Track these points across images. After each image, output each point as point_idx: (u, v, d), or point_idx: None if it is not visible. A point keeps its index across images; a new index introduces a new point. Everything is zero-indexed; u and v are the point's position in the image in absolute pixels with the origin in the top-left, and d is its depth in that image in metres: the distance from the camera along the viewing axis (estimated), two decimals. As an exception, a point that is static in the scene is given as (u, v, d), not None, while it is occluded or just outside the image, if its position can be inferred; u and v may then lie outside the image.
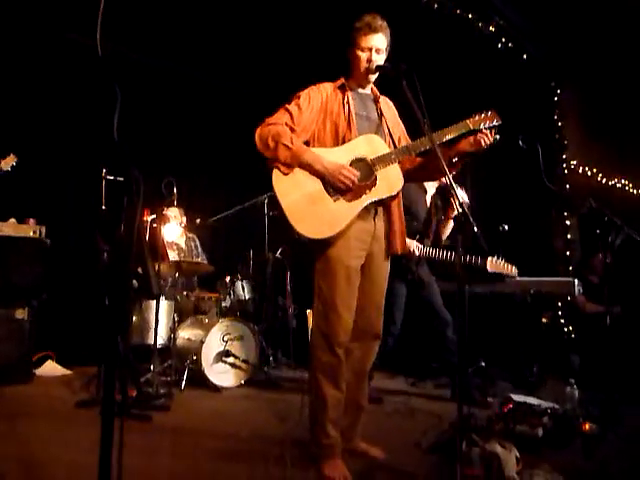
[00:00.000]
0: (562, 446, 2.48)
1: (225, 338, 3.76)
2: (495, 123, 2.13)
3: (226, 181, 5.72)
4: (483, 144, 2.11)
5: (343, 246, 2.13)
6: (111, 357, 1.19)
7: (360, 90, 2.31)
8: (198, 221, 4.69)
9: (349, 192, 2.12)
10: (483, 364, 3.92)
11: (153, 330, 3.48)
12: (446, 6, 4.55)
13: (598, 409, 2.87)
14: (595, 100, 5.06)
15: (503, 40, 4.94)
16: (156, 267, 3.57)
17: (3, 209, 3.81)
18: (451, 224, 3.59)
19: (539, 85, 5.27)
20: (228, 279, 4.29)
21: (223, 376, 3.70)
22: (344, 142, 2.19)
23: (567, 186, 5.16)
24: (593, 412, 2.78)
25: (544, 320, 4.60)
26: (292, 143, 2.10)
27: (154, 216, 3.86)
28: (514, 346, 4.21)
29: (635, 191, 5.07)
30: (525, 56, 5.11)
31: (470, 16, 4.69)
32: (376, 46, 2.19)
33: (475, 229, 1.81)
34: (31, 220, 3.85)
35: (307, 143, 2.21)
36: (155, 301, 3.51)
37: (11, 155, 3.65)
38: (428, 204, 3.65)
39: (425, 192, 3.62)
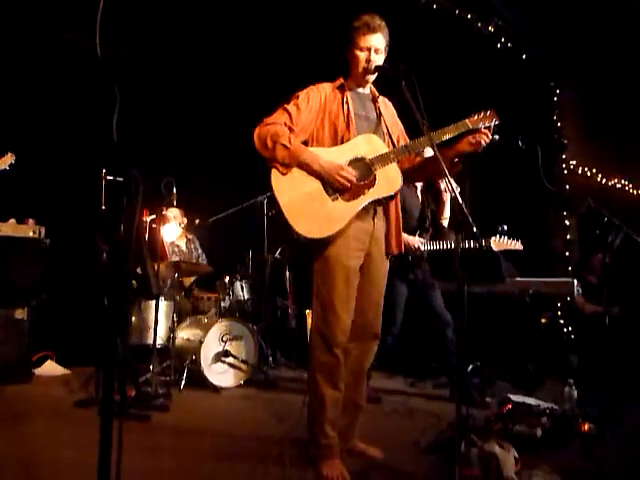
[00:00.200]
0: (561, 446, 2.48)
1: (224, 338, 3.76)
2: (494, 122, 2.13)
3: (225, 181, 5.72)
4: (483, 143, 2.12)
5: (342, 246, 2.13)
6: (110, 357, 1.19)
7: (359, 90, 2.32)
8: (197, 221, 4.69)
9: (348, 192, 2.12)
10: (478, 364, 3.92)
11: (152, 330, 3.48)
12: (445, 6, 4.55)
13: (597, 409, 2.87)
14: (594, 100, 5.06)
15: (502, 40, 4.94)
16: (155, 267, 3.57)
17: (3, 209, 3.81)
18: (448, 207, 3.58)
19: (538, 85, 5.27)
20: (227, 279, 4.29)
21: (222, 376, 3.70)
22: (343, 142, 2.19)
23: (566, 186, 5.16)
24: (592, 412, 2.78)
25: (543, 320, 4.60)
26: (290, 143, 2.10)
27: (153, 216, 3.86)
28: (513, 346, 4.21)
29: (634, 191, 5.08)
30: (524, 56, 5.11)
31: (469, 16, 4.69)
32: (375, 46, 2.20)
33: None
34: (31, 220, 3.85)
35: (306, 143, 2.21)
36: (154, 301, 3.51)
37: (9, 154, 3.65)
38: (420, 198, 3.65)
39: (415, 188, 3.62)
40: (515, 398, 2.82)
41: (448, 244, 3.41)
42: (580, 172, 5.21)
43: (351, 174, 2.10)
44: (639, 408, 3.22)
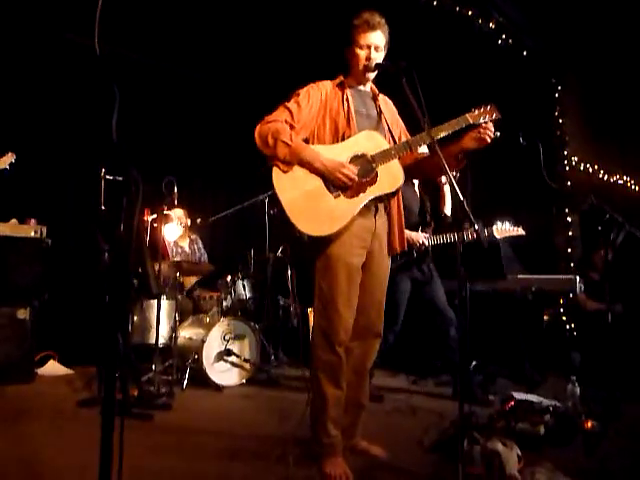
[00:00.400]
0: (564, 444, 2.48)
1: (226, 337, 3.77)
2: (494, 117, 2.12)
3: (226, 180, 5.72)
4: (487, 139, 2.11)
5: (344, 244, 2.12)
6: (111, 355, 1.19)
7: (359, 88, 2.31)
8: (199, 221, 4.69)
9: (349, 189, 2.11)
10: (479, 362, 3.92)
11: (154, 329, 3.48)
12: (445, 3, 4.54)
13: (599, 406, 2.86)
14: (596, 96, 5.04)
15: (503, 37, 4.93)
16: (157, 267, 3.57)
17: (4, 209, 3.82)
18: (448, 196, 3.58)
19: (539, 82, 5.26)
20: (229, 278, 4.29)
21: (224, 375, 3.70)
22: (344, 139, 2.18)
23: (568, 183, 5.15)
24: (594, 409, 2.78)
25: (545, 317, 4.60)
26: (291, 140, 2.10)
27: (155, 216, 3.86)
28: (515, 344, 4.21)
29: (637, 188, 5.07)
30: (525, 52, 5.09)
31: (470, 13, 4.68)
32: (375, 43, 2.19)
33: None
34: (32, 220, 3.85)
35: (307, 141, 2.21)
36: (156, 301, 3.51)
37: (9, 153, 3.65)
38: (417, 194, 3.64)
39: (413, 184, 3.62)
40: (518, 396, 2.81)
41: (451, 237, 3.40)
42: (582, 169, 5.20)
43: (353, 171, 2.10)
44: (642, 405, 3.22)
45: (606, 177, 5.13)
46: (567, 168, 5.19)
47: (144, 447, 2.32)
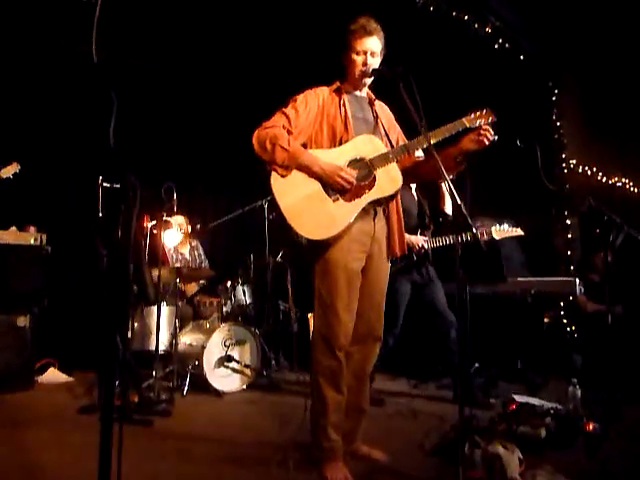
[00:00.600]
0: (565, 446, 2.47)
1: (226, 343, 3.76)
2: (491, 120, 2.13)
3: (225, 186, 5.73)
4: (486, 141, 2.12)
5: (343, 248, 2.13)
6: (110, 360, 1.19)
7: (356, 93, 2.32)
8: (198, 226, 4.70)
9: (348, 192, 2.12)
10: (477, 365, 3.92)
11: (154, 336, 3.48)
12: (442, 8, 4.56)
13: (600, 408, 2.86)
14: (594, 99, 5.06)
15: (500, 41, 4.94)
16: (156, 273, 3.57)
17: (4, 217, 3.82)
18: (447, 196, 3.57)
19: (537, 85, 5.28)
20: (229, 284, 4.29)
21: (225, 381, 3.70)
22: (341, 144, 2.19)
23: (567, 185, 5.16)
24: (595, 411, 2.77)
25: (546, 320, 4.59)
26: (289, 145, 2.11)
27: (154, 222, 3.86)
28: (516, 346, 4.20)
29: (635, 189, 5.07)
30: (522, 56, 5.11)
31: (466, 17, 4.70)
32: (371, 49, 2.21)
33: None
34: (32, 227, 3.86)
35: (305, 146, 2.22)
36: (156, 307, 3.51)
37: (13, 163, 3.67)
38: (415, 197, 3.64)
39: (410, 187, 3.62)
40: (519, 398, 2.81)
41: (450, 240, 3.40)
42: (580, 171, 5.21)
43: (351, 175, 2.11)
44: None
45: (604, 179, 5.13)
46: (565, 170, 5.19)
47: (144, 453, 2.32)
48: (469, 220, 1.87)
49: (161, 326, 3.52)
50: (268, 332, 4.47)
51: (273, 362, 4.36)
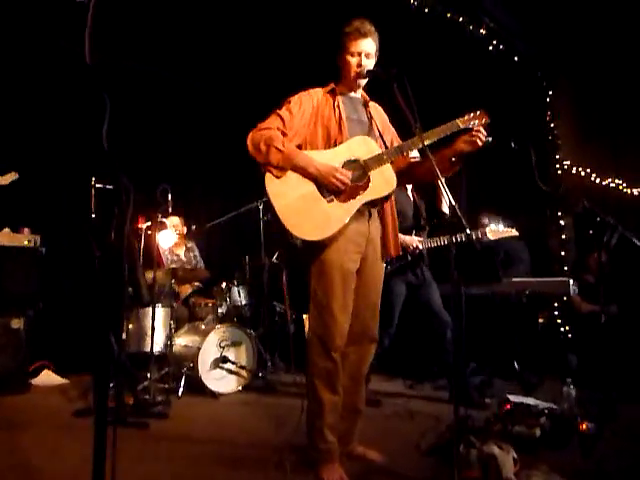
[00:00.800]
0: (560, 446, 2.48)
1: (222, 344, 3.76)
2: (484, 122, 2.14)
3: (221, 187, 5.73)
4: (479, 142, 2.13)
5: (338, 249, 2.13)
6: (105, 361, 1.19)
7: (350, 94, 2.33)
8: (194, 228, 4.69)
9: (343, 193, 2.12)
10: (474, 365, 3.93)
11: (150, 338, 3.47)
12: (437, 10, 4.57)
13: (595, 408, 2.87)
14: (588, 100, 5.08)
15: (494, 42, 4.97)
16: (151, 275, 3.56)
17: (-2, 219, 3.81)
18: (444, 193, 3.57)
19: (531, 86, 5.30)
20: (224, 285, 4.29)
21: (221, 382, 3.69)
22: (336, 145, 2.20)
23: (561, 186, 5.18)
24: (590, 411, 2.78)
25: (541, 320, 4.61)
26: (284, 146, 2.11)
27: (149, 223, 3.85)
28: (512, 347, 4.21)
29: (629, 190, 5.09)
30: (516, 58, 5.13)
31: (461, 19, 4.71)
32: (366, 51, 2.21)
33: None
34: (26, 229, 3.84)
35: (300, 147, 2.23)
36: (151, 308, 3.50)
37: (12, 172, 3.66)
38: (411, 198, 3.65)
39: (406, 188, 3.63)
40: (514, 398, 2.82)
41: (445, 240, 3.41)
42: (574, 172, 5.23)
43: (346, 176, 2.11)
44: (638, 406, 3.22)
45: (598, 180, 5.16)
46: (559, 171, 5.22)
47: (140, 456, 2.31)
48: (463, 221, 1.88)
49: (156, 328, 3.51)
50: (264, 333, 4.47)
51: (269, 363, 4.36)
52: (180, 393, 3.51)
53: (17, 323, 3.63)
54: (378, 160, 2.16)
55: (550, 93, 5.33)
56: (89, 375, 3.68)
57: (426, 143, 2.06)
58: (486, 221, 4.16)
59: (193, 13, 4.43)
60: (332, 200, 2.12)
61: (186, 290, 4.56)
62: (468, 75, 4.81)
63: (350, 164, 2.16)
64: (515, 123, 4.09)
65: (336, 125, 2.22)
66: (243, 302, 4.35)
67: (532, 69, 5.27)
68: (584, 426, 2.56)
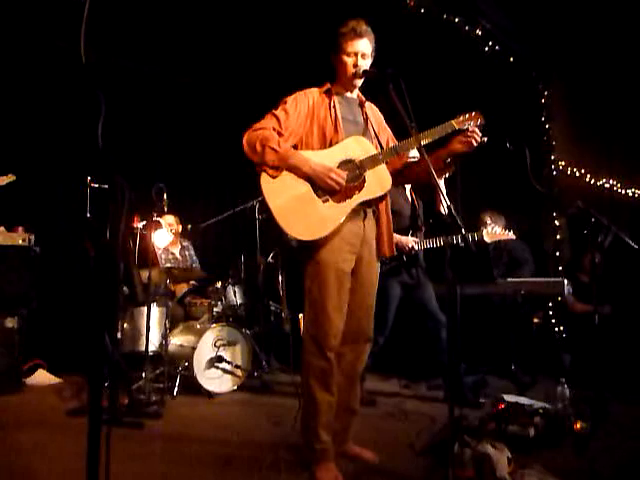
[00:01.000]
0: (554, 445, 2.50)
1: (217, 344, 3.75)
2: (479, 123, 2.15)
3: (216, 186, 5.72)
4: (474, 143, 2.14)
5: (333, 249, 2.13)
6: (99, 361, 1.19)
7: (346, 95, 2.33)
8: (189, 227, 4.68)
9: (338, 193, 2.13)
10: (466, 365, 3.94)
11: (145, 337, 3.46)
12: (432, 10, 4.58)
13: (588, 407, 2.88)
14: (583, 101, 5.11)
15: (490, 43, 4.98)
16: (146, 274, 3.55)
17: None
18: (444, 193, 3.56)
19: (526, 87, 5.32)
20: (220, 284, 4.28)
21: (216, 382, 3.68)
22: (331, 145, 2.20)
23: (555, 187, 5.20)
24: (584, 410, 2.80)
25: (535, 320, 4.63)
26: (279, 146, 2.11)
27: (144, 222, 3.84)
28: (506, 346, 4.23)
29: (623, 191, 5.12)
30: (512, 58, 5.15)
31: (456, 20, 4.73)
32: (362, 51, 2.22)
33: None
34: (20, 228, 3.82)
35: (295, 147, 2.23)
36: (146, 308, 3.50)
37: (9, 175, 3.65)
38: (409, 198, 3.65)
39: (404, 188, 3.63)
40: (508, 398, 2.83)
41: (441, 241, 3.41)
42: (569, 173, 5.25)
43: (341, 176, 2.11)
44: (630, 406, 3.24)
45: (593, 181, 5.18)
46: (554, 172, 5.24)
47: (134, 455, 2.31)
48: (458, 220, 1.88)
49: (151, 327, 3.50)
50: (259, 333, 4.47)
51: (264, 363, 4.36)
52: (175, 393, 3.50)
53: (11, 322, 3.62)
54: (373, 160, 2.16)
55: (545, 94, 5.35)
56: (83, 375, 3.67)
57: (421, 144, 2.06)
58: (488, 220, 4.18)
59: (189, 13, 4.43)
60: (327, 200, 2.12)
61: (181, 289, 4.55)
62: (463, 75, 4.82)
63: (345, 164, 2.16)
64: (510, 124, 4.10)
65: (332, 125, 2.22)
66: (238, 301, 4.34)
67: (527, 70, 5.28)
68: (577, 425, 2.57)
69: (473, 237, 3.34)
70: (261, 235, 4.51)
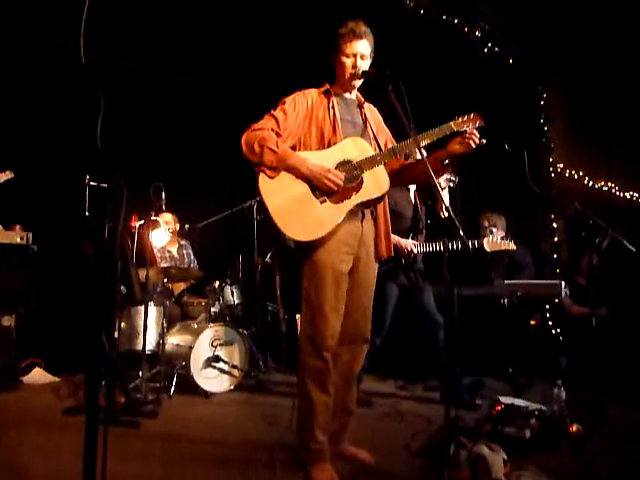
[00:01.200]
0: (549, 447, 2.50)
1: (214, 343, 3.75)
2: (478, 124, 2.16)
3: (214, 186, 5.72)
4: (473, 144, 2.14)
5: (330, 249, 2.14)
6: (96, 360, 1.19)
7: (345, 95, 2.34)
8: (187, 226, 4.68)
9: (336, 194, 2.13)
10: (463, 367, 3.95)
11: (142, 336, 3.46)
12: (432, 11, 4.59)
13: (585, 410, 2.89)
14: (581, 103, 5.12)
15: (489, 45, 4.99)
16: (144, 273, 3.55)
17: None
18: (446, 198, 3.56)
19: (525, 89, 5.33)
20: (217, 284, 4.28)
21: (212, 381, 3.68)
22: (330, 146, 2.20)
23: (553, 189, 5.21)
24: (580, 413, 2.81)
25: (532, 322, 4.63)
26: (278, 147, 2.11)
27: (142, 222, 3.84)
28: (503, 348, 4.24)
29: (621, 194, 5.13)
30: (511, 60, 5.16)
31: (456, 21, 4.73)
32: (361, 52, 2.22)
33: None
34: (17, 226, 3.81)
35: (294, 148, 2.23)
36: (143, 307, 3.49)
37: (7, 171, 3.64)
38: (412, 200, 3.64)
39: (408, 190, 3.62)
40: (504, 400, 2.83)
41: (441, 245, 3.41)
42: (567, 175, 5.26)
43: (339, 177, 2.12)
44: (626, 408, 3.25)
45: (591, 183, 5.19)
46: (552, 174, 5.25)
47: (130, 455, 2.31)
48: (456, 222, 1.89)
49: (148, 326, 3.50)
50: (256, 333, 4.47)
51: (261, 363, 4.35)
52: (172, 392, 3.50)
53: (8, 320, 3.61)
54: (371, 161, 2.17)
55: (544, 96, 5.36)
56: (80, 373, 3.66)
57: (420, 145, 2.07)
58: (486, 224, 4.19)
59: (189, 12, 4.43)
60: (325, 201, 2.13)
61: (179, 288, 4.55)
62: (462, 77, 4.83)
63: (343, 165, 2.17)
64: (509, 125, 4.11)
65: (330, 126, 2.22)
66: (236, 301, 4.34)
67: (526, 72, 5.29)
68: (573, 428, 2.58)
69: (473, 244, 3.34)
70: (259, 235, 4.51)
